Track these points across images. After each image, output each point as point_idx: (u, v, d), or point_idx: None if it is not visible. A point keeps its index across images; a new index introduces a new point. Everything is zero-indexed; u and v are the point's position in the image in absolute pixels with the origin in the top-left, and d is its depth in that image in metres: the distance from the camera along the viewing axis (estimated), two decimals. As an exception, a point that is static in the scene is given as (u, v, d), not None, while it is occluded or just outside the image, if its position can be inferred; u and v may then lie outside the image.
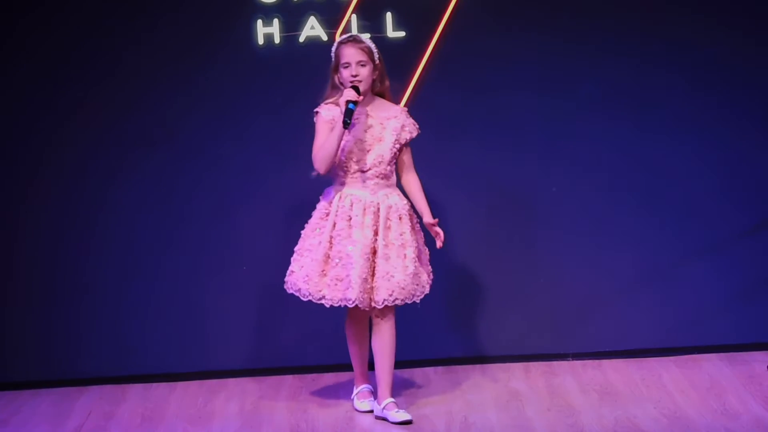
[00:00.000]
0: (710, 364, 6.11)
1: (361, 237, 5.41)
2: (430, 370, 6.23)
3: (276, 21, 6.17)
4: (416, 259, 5.49)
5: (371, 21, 6.17)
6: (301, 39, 6.19)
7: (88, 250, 6.26)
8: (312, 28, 6.17)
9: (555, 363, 6.25)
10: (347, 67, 5.43)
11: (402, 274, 5.43)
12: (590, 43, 6.19)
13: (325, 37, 6.15)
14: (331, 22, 6.17)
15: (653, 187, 6.25)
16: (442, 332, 6.28)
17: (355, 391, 5.72)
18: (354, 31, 6.14)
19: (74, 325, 6.28)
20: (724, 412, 5.45)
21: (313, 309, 5.62)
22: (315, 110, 5.50)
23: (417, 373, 6.19)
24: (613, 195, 6.26)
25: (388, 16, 6.17)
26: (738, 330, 6.27)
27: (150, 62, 6.20)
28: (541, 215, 6.26)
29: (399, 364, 6.13)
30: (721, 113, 6.23)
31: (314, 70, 5.79)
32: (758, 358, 6.13)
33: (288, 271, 5.51)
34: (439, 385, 6.02)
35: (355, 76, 5.41)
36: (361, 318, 5.58)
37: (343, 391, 5.98)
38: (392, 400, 5.54)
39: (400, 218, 5.48)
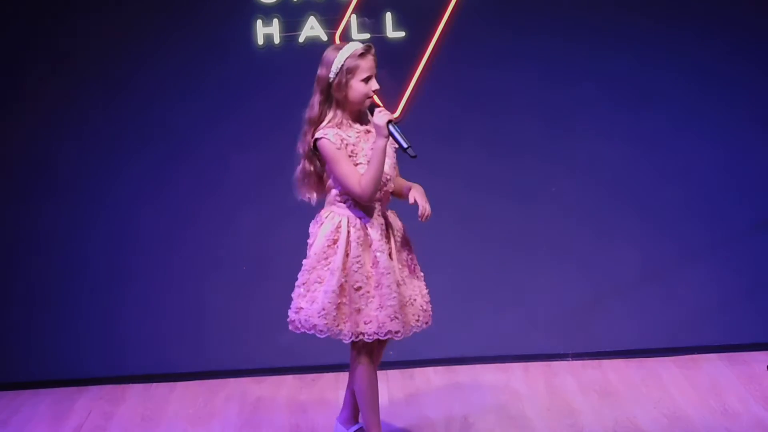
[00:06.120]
0: (710, 364, 6.11)
1: (387, 262, 4.90)
2: (429, 370, 6.23)
3: (276, 21, 6.17)
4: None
5: (371, 21, 6.17)
6: (301, 39, 6.19)
7: (88, 249, 6.26)
8: (312, 29, 6.17)
9: (555, 363, 6.25)
10: (369, 80, 4.84)
11: (421, 297, 5.04)
12: (590, 43, 6.19)
13: (324, 38, 6.15)
14: (330, 22, 6.17)
15: (653, 187, 6.25)
16: (442, 332, 6.26)
17: None
18: (353, 31, 6.14)
19: (74, 325, 6.28)
20: (724, 412, 5.45)
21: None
22: (317, 137, 4.91)
23: (417, 373, 6.19)
24: (613, 195, 6.26)
25: (388, 16, 6.17)
26: (738, 330, 6.27)
27: (150, 62, 6.19)
28: (540, 215, 6.26)
29: (399, 363, 6.15)
30: (721, 113, 6.23)
31: (314, 71, 5.77)
32: (758, 358, 6.13)
33: (293, 309, 5.01)
34: (439, 385, 6.02)
35: (375, 90, 4.87)
36: (376, 358, 5.07)
37: (343, 391, 5.97)
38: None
39: (403, 238, 5.06)
